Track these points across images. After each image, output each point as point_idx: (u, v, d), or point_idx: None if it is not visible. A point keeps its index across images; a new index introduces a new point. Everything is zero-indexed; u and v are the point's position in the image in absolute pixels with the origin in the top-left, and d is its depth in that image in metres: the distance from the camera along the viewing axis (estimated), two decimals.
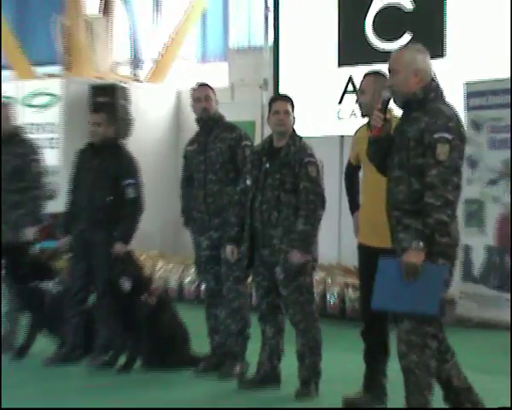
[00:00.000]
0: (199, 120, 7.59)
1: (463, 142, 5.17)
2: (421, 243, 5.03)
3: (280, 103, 6.96)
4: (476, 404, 5.22)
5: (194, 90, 7.75)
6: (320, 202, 6.92)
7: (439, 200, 5.04)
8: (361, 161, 6.73)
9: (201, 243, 7.66)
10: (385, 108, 5.40)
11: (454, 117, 5.28)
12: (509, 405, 4.59)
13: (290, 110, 6.93)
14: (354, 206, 6.87)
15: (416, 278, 5.19)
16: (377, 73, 6.17)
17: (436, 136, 5.07)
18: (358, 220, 6.74)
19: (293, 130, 7.05)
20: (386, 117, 5.46)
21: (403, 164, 5.29)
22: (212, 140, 7.63)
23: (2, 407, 4.44)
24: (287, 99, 7.09)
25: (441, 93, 5.44)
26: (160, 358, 7.92)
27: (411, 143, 5.26)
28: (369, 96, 6.03)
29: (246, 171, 7.46)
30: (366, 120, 6.44)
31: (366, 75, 6.25)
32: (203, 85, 7.74)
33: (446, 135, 5.13)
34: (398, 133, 5.40)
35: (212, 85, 7.72)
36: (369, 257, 6.38)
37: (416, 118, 5.21)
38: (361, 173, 6.83)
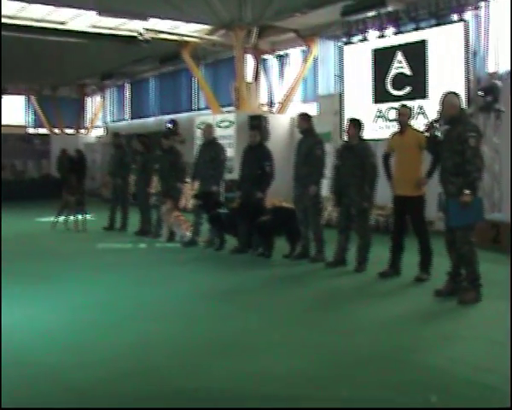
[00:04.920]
0: (300, 131, 10.08)
1: (481, 137, 6.98)
2: (468, 191, 6.74)
3: (351, 124, 9.20)
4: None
5: (297, 116, 10.44)
6: (375, 174, 8.85)
7: (473, 167, 6.75)
8: (393, 150, 8.55)
9: (295, 193, 10.03)
10: (435, 121, 7.40)
11: (474, 125, 7.26)
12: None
13: (356, 128, 9.07)
14: (389, 175, 8.50)
15: (469, 206, 6.78)
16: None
17: (469, 134, 6.81)
18: (392, 183, 8.43)
19: (360, 136, 9.09)
20: (434, 125, 7.41)
21: (450, 149, 6.93)
22: (303, 140, 9.89)
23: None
24: (355, 121, 9.22)
25: (465, 115, 7.34)
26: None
27: (454, 138, 6.88)
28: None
29: (336, 156, 9.42)
30: (397, 128, 8.59)
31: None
32: (301, 114, 10.32)
33: (473, 134, 6.87)
34: (446, 134, 7.13)
35: (308, 114, 10.16)
36: (399, 200, 8.42)
37: (456, 126, 6.93)
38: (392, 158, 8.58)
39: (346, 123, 9.40)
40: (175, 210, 12.21)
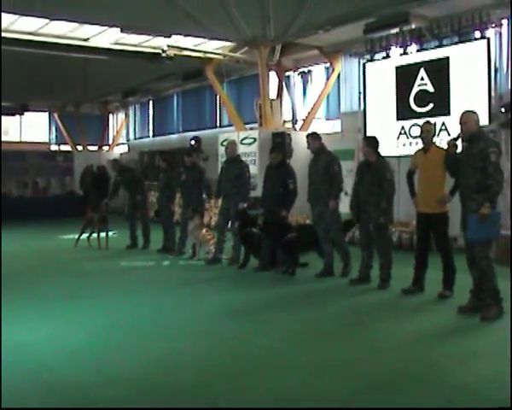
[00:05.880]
0: (312, 150, 10.18)
1: (501, 153, 7.05)
2: (488, 204, 6.84)
3: (366, 141, 9.33)
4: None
5: (307, 136, 10.40)
6: (392, 190, 8.95)
7: (494, 181, 6.87)
8: (417, 167, 8.51)
9: (314, 211, 10.17)
10: (456, 139, 7.48)
11: (494, 141, 7.48)
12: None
13: (371, 146, 9.04)
14: (413, 192, 8.50)
15: (486, 220, 6.84)
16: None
17: (490, 149, 6.92)
18: (416, 200, 8.44)
19: (379, 153, 9.11)
20: (455, 143, 7.47)
21: (472, 166, 7.03)
22: (317, 159, 9.94)
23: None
24: (369, 139, 9.45)
25: (484, 132, 7.39)
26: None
27: (476, 155, 6.97)
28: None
29: (355, 173, 9.45)
30: (421, 146, 8.52)
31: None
32: (311, 134, 10.30)
33: (494, 149, 6.97)
34: (466, 152, 7.25)
35: (322, 132, 10.41)
36: (422, 217, 8.44)
37: (476, 143, 7.02)
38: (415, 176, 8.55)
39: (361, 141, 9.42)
40: (203, 226, 12.31)
